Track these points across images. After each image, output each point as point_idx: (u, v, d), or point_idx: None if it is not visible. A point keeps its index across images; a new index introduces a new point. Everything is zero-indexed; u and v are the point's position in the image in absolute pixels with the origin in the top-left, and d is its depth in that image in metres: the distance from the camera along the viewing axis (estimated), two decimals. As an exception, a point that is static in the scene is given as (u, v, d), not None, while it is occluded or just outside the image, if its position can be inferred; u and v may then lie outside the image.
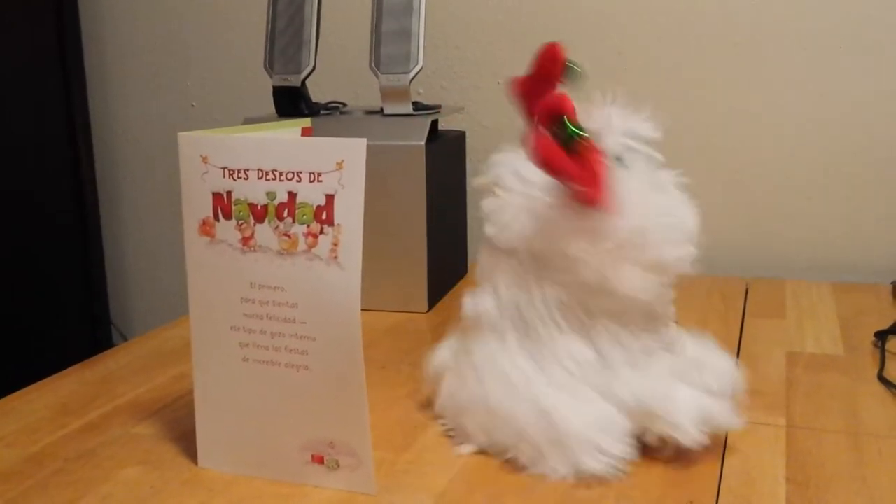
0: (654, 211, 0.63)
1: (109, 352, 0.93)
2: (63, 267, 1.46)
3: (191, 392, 0.67)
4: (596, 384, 0.65)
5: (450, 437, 0.69)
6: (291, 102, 1.09)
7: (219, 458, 0.66)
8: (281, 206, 0.60)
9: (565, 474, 0.63)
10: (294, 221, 0.60)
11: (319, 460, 0.63)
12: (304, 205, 0.60)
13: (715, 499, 0.61)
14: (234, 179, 0.61)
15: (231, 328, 0.63)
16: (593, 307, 0.64)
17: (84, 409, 0.78)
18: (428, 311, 1.04)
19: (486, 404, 0.65)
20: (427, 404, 0.71)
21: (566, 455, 0.63)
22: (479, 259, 0.68)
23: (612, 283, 0.62)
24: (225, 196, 0.62)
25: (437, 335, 0.71)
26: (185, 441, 0.70)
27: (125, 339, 1.56)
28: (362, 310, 0.59)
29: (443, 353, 0.71)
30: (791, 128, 1.17)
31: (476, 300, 0.67)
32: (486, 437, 0.66)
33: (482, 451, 0.66)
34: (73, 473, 0.66)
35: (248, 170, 0.61)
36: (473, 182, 0.69)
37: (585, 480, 0.62)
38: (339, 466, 0.62)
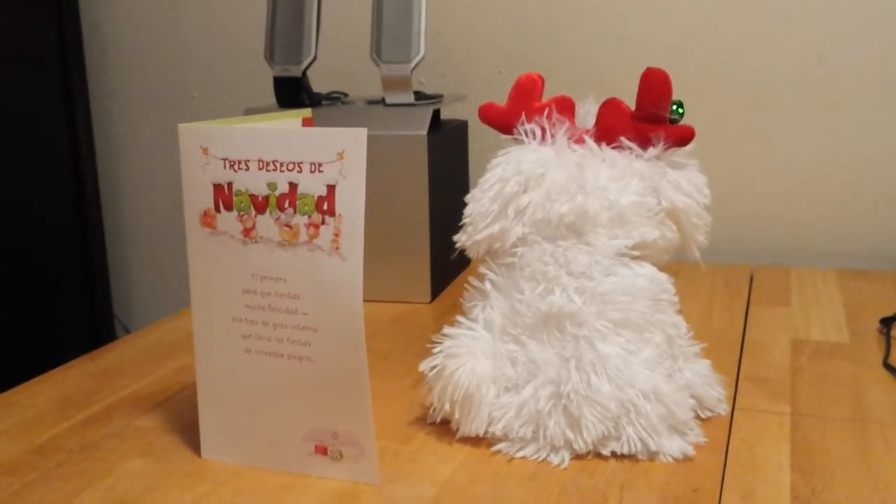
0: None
1: (112, 344, 0.93)
2: (65, 259, 1.46)
3: (193, 384, 0.67)
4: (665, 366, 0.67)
5: (452, 430, 0.69)
6: (292, 93, 1.09)
7: (222, 449, 0.66)
8: (282, 196, 0.60)
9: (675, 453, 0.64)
10: (295, 212, 0.60)
11: (323, 451, 0.63)
12: (305, 195, 0.59)
13: (719, 486, 0.61)
14: (235, 170, 0.61)
15: (233, 319, 0.63)
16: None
17: (87, 402, 0.78)
18: (431, 301, 1.04)
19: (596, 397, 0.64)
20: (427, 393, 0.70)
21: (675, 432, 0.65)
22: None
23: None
24: (226, 187, 0.62)
25: (440, 325, 0.71)
26: (188, 433, 0.70)
27: (128, 331, 1.56)
28: (365, 300, 0.59)
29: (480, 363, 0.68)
30: (795, 114, 1.17)
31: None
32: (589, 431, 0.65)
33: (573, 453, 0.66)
34: (77, 465, 0.66)
35: (248, 161, 0.61)
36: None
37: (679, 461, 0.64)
38: (342, 457, 0.62)
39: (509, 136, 0.73)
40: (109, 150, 1.52)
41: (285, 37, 1.08)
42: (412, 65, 1.03)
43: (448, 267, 1.09)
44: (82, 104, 1.45)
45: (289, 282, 0.61)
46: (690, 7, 1.18)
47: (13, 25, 1.35)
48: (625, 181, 0.68)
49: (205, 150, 0.62)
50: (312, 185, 0.59)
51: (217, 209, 0.62)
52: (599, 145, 0.70)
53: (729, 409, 0.72)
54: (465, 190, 1.17)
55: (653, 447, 0.64)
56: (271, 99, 1.11)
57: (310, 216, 0.59)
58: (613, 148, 0.70)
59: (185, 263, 0.64)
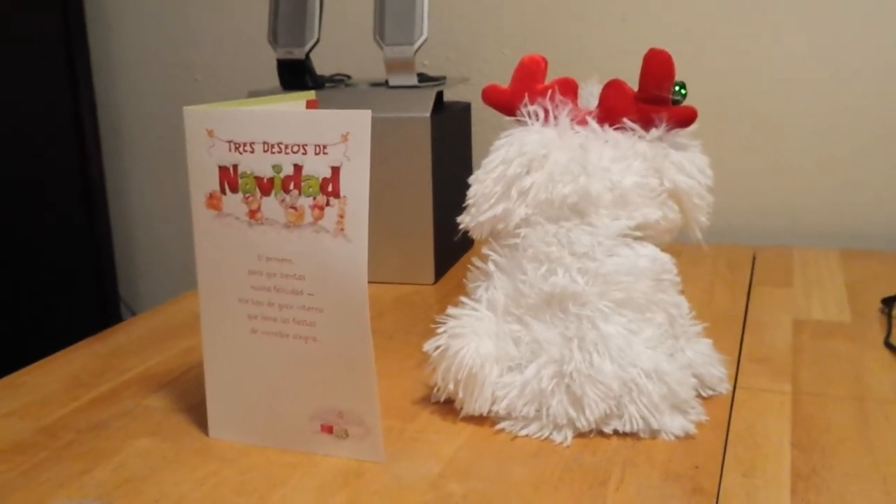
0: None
1: (119, 326, 0.94)
2: (71, 243, 1.46)
3: (200, 364, 0.68)
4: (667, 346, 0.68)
5: (456, 410, 0.69)
6: (296, 75, 1.09)
7: (229, 428, 0.67)
8: (287, 178, 0.60)
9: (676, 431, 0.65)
10: (300, 194, 0.60)
11: (328, 430, 0.63)
12: (309, 177, 0.60)
13: (720, 464, 0.61)
14: (240, 153, 0.62)
15: (239, 300, 0.64)
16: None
17: (95, 382, 0.79)
18: (434, 282, 1.04)
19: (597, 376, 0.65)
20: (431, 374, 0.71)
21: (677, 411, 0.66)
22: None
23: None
24: (231, 169, 0.62)
25: (443, 306, 0.72)
26: (196, 412, 0.71)
27: (133, 313, 1.57)
28: (370, 282, 0.59)
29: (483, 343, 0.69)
30: (799, 94, 1.17)
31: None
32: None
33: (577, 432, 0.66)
34: (86, 444, 0.67)
35: (253, 143, 0.61)
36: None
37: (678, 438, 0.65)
38: (347, 436, 0.63)
39: (512, 118, 0.73)
40: (114, 132, 1.52)
41: (288, 19, 1.08)
42: (415, 47, 1.03)
43: (451, 248, 1.09)
44: (86, 88, 1.45)
45: (294, 263, 0.61)
46: (693, -12, 1.18)
47: (16, 10, 1.35)
48: (627, 162, 0.69)
49: (210, 133, 0.62)
50: (317, 167, 0.60)
51: (223, 191, 0.63)
52: (602, 126, 0.70)
53: (730, 388, 0.73)
54: (469, 171, 1.17)
55: (654, 425, 0.65)
56: (274, 81, 1.11)
57: (315, 198, 0.60)
58: (616, 129, 0.70)
59: (191, 246, 0.65)
